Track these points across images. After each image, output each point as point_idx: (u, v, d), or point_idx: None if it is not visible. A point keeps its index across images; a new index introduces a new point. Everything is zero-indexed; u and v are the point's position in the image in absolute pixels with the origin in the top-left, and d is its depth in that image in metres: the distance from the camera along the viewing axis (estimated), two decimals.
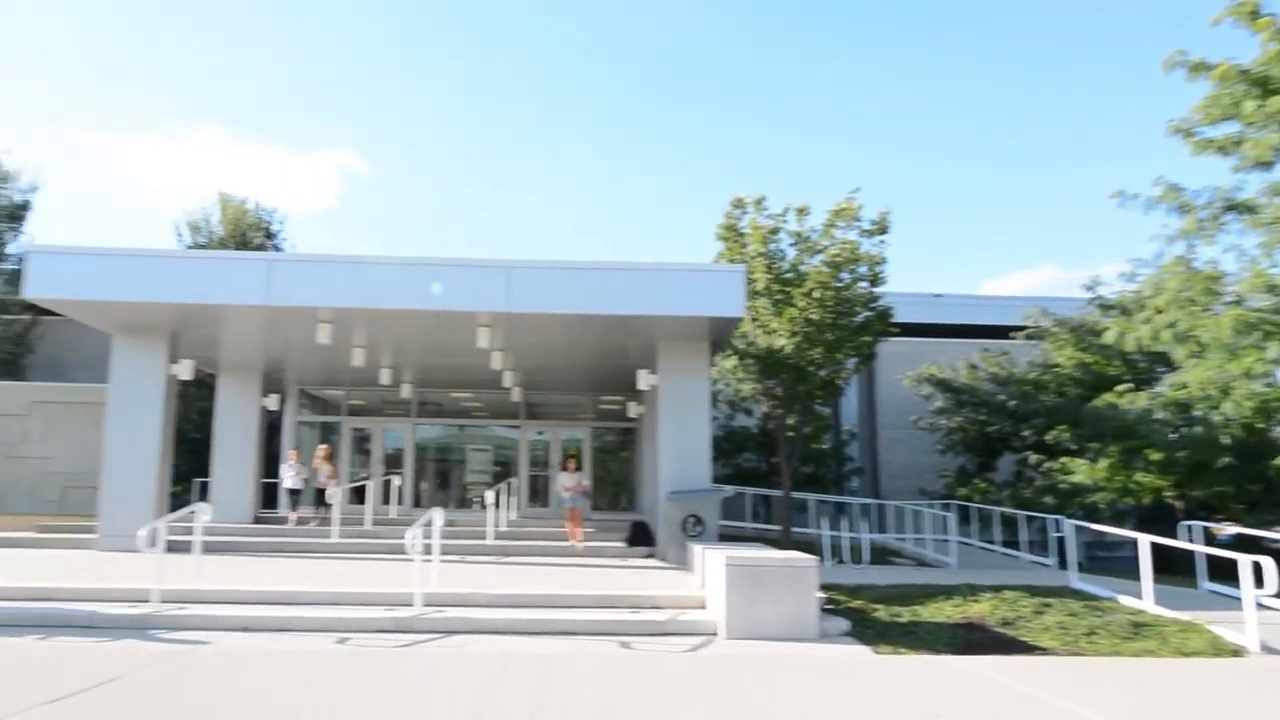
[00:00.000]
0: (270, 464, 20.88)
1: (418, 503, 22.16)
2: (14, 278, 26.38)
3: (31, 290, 13.18)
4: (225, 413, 19.30)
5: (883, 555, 17.34)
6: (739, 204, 17.83)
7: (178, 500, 25.86)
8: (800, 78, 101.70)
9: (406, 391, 20.83)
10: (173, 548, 14.07)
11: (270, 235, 28.90)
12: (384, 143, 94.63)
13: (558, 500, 15.30)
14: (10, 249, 27.62)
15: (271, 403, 19.48)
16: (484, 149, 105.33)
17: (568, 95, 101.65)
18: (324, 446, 18.60)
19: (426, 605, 9.41)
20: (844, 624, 9.41)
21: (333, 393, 22.50)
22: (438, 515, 9.95)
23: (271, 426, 24.68)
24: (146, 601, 9.20)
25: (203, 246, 27.95)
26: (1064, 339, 22.69)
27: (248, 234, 28.19)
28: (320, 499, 17.67)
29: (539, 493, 22.44)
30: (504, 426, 23.08)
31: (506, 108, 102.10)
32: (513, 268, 13.43)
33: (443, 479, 23.40)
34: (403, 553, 15.03)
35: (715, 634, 9.02)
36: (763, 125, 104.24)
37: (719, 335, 15.33)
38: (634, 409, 19.66)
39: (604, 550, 15.40)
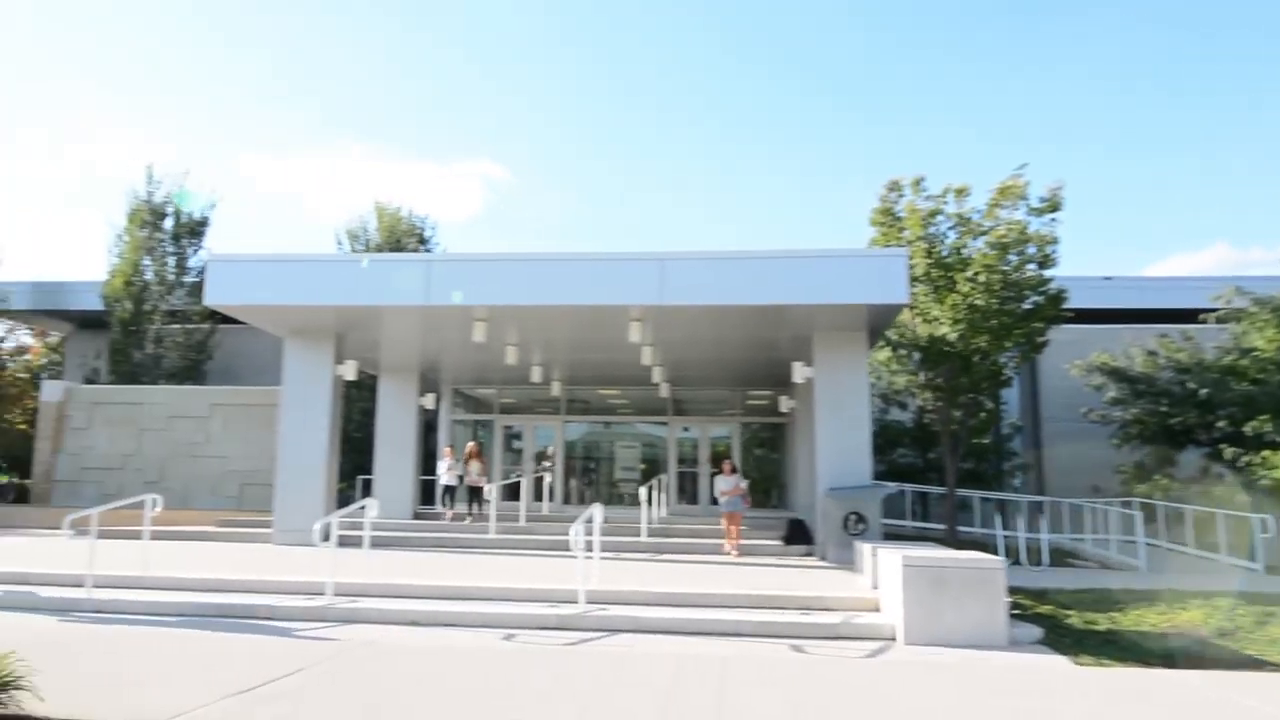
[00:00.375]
0: (427, 462, 21.45)
1: (568, 499, 22.35)
2: (195, 289, 28.27)
3: (210, 297, 13.91)
4: (386, 412, 19.94)
5: (1060, 557, 16.15)
6: (894, 187, 16.99)
7: (343, 497, 27.09)
8: (944, 56, 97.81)
9: (556, 389, 20.99)
10: (342, 542, 14.69)
11: (423, 241, 29.84)
12: (526, 151, 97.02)
13: (720, 504, 14.77)
14: (191, 263, 29.58)
15: (428, 402, 19.99)
16: (621, 149, 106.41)
17: (695, 90, 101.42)
18: (473, 444, 18.89)
19: (589, 603, 9.25)
20: (1035, 631, 8.65)
21: (485, 391, 22.95)
22: (598, 511, 9.78)
23: (428, 425, 25.50)
24: (321, 595, 9.42)
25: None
26: (1264, 319, 20.55)
27: (402, 240, 29.19)
28: (473, 496, 18.01)
29: (688, 490, 22.19)
30: (651, 423, 22.96)
31: (639, 108, 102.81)
32: (665, 259, 13.17)
33: (591, 476, 23.50)
34: (557, 549, 15.13)
35: (893, 639, 8.45)
36: (908, 110, 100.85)
37: (878, 324, 14.62)
38: (785, 403, 19.11)
39: (759, 549, 14.95)
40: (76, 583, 9.69)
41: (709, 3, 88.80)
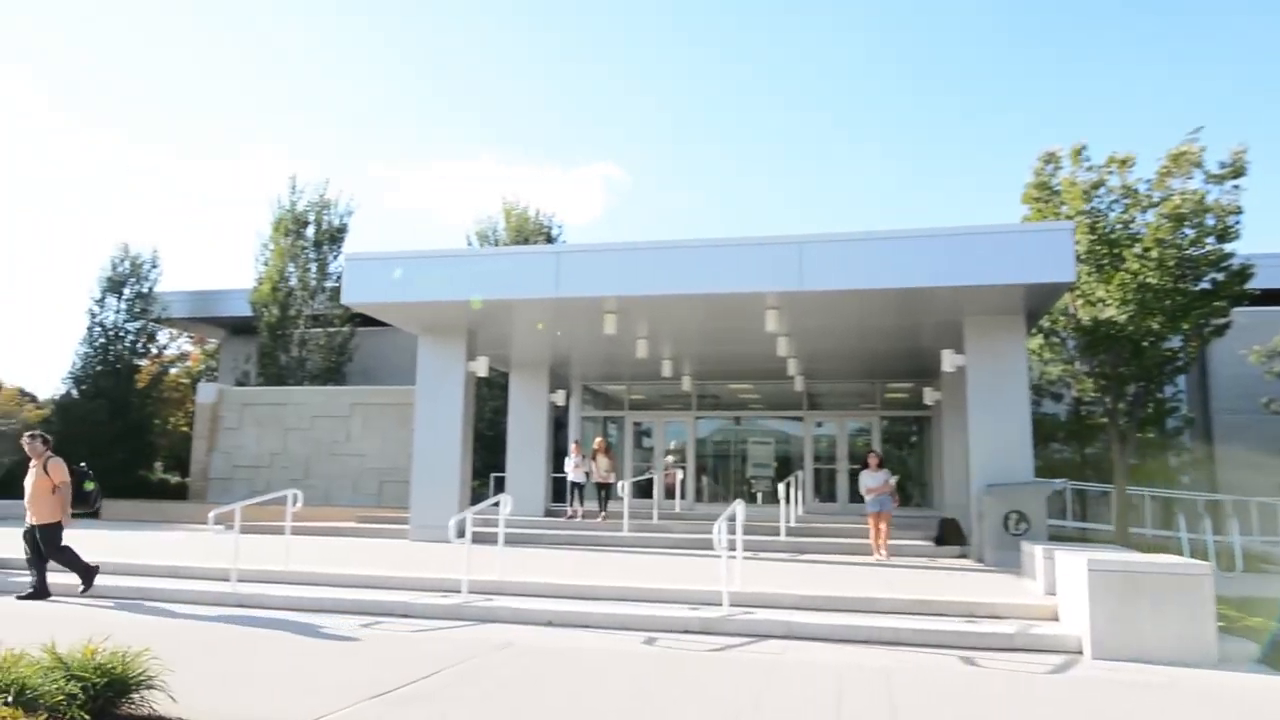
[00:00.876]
0: (558, 459, 21.33)
1: (699, 497, 21.82)
2: (336, 294, 29.21)
3: (348, 295, 14.06)
4: (517, 409, 19.91)
5: (1252, 562, 14.49)
6: (1050, 158, 15.66)
7: (477, 495, 27.44)
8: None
9: (687, 384, 20.51)
10: (476, 539, 14.60)
11: (550, 240, 29.93)
12: (646, 152, 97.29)
13: (865, 502, 13.61)
14: (332, 268, 30.60)
15: (559, 398, 19.85)
16: (743, 148, 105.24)
17: (813, 82, 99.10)
18: (600, 439, 18.32)
19: (732, 605, 8.67)
20: (1249, 647, 7.54)
21: (615, 388, 22.69)
22: (740, 509, 9.17)
23: (558, 422, 25.49)
24: (456, 592, 9.20)
25: None
26: None
27: (530, 239, 29.35)
28: (601, 493, 17.53)
29: (824, 488, 21.28)
30: (785, 419, 22.15)
31: (760, 105, 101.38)
32: (804, 243, 12.46)
33: (723, 473, 22.87)
34: (692, 548, 14.63)
35: (1079, 652, 7.51)
36: (1076, 70, 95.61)
37: (1037, 306, 13.47)
38: (930, 395, 17.99)
39: (908, 550, 14.02)
40: (222, 576, 9.80)
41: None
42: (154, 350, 33.54)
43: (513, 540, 14.82)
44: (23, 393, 38.26)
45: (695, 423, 22.03)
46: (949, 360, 13.84)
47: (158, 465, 33.39)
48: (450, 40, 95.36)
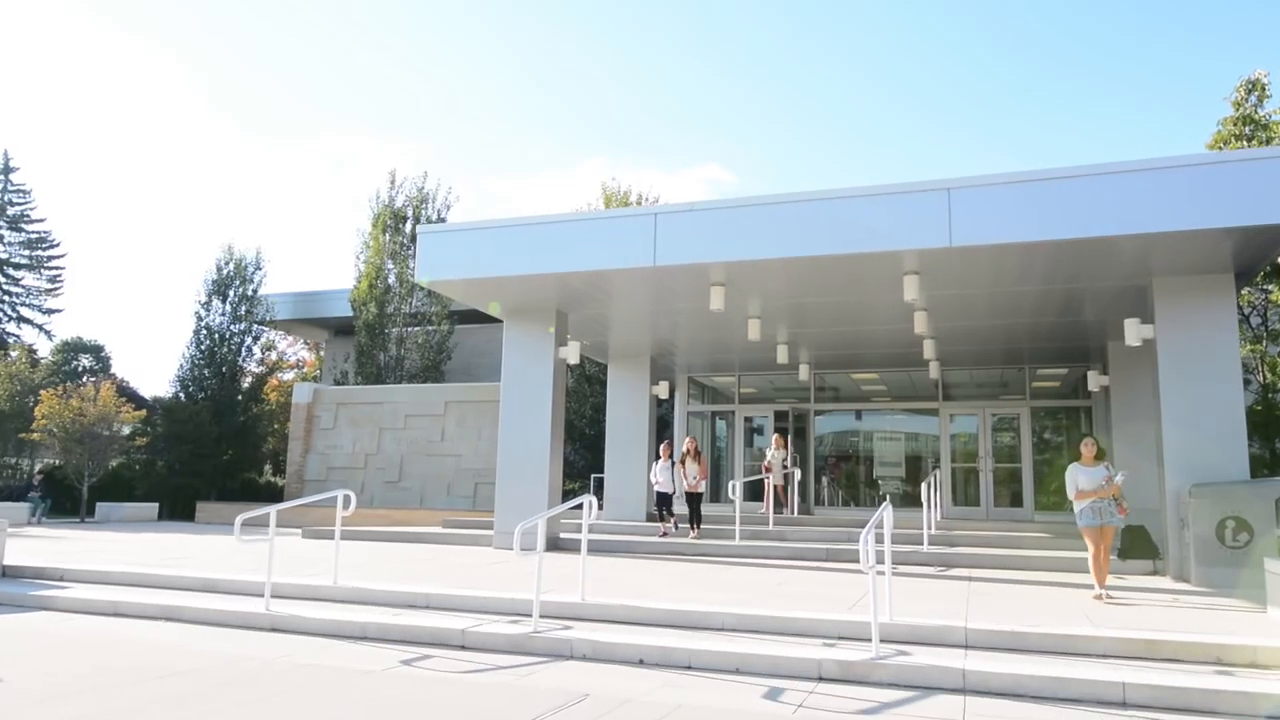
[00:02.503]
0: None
1: (819, 500, 19.55)
2: (434, 291, 28.27)
3: (422, 273, 12.53)
4: (616, 403, 18.15)
5: None
6: (1254, 86, 12.89)
7: (573, 497, 25.89)
8: None
9: (804, 374, 18.28)
10: (563, 546, 12.85)
11: None
12: (751, 153, 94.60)
13: (1080, 512, 9.20)
14: None
15: (661, 391, 17.97)
16: (847, 148, 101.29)
17: (929, 91, 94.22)
18: (690, 440, 15.29)
19: (883, 641, 6.54)
20: None
21: (723, 379, 20.65)
22: (888, 515, 7.05)
23: (662, 420, 23.64)
24: (527, 616, 7.39)
25: None
26: None
27: None
28: (692, 505, 14.36)
29: (964, 490, 18.66)
30: (916, 412, 19.61)
31: (863, 107, 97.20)
32: (954, 188, 10.19)
33: (846, 474, 20.49)
34: (812, 560, 12.50)
35: None
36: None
37: (1251, 262, 10.77)
38: (1095, 380, 15.29)
39: (1069, 562, 11.48)
40: (259, 591, 8.29)
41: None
42: (259, 353, 33.50)
43: (607, 549, 13.06)
44: (122, 391, 38.84)
45: (814, 417, 19.75)
46: (1133, 332, 11.28)
47: (267, 468, 33.29)
48: (548, 46, 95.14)
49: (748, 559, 12.41)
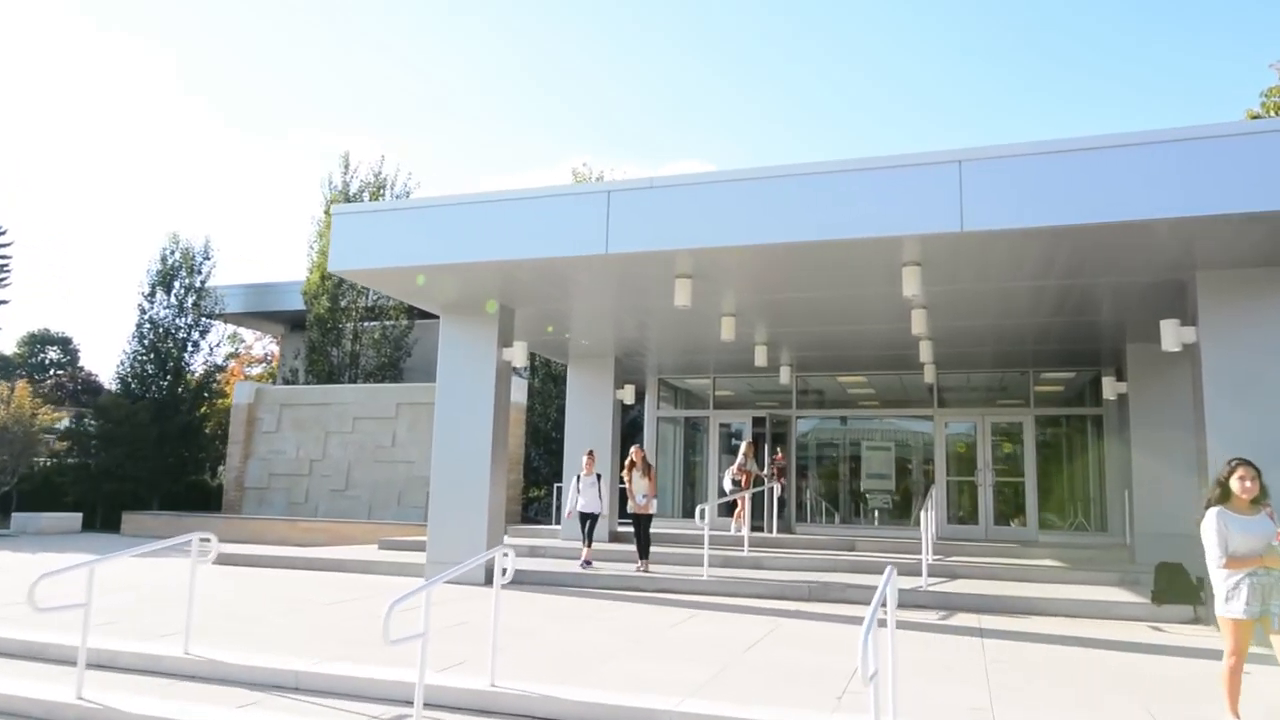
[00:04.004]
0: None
1: (800, 515, 17.81)
2: None
3: (335, 261, 10.66)
4: (576, 407, 16.35)
5: None
6: None
7: (537, 506, 24.17)
8: None
9: (785, 376, 16.51)
10: (517, 580, 11.01)
11: None
12: (745, 151, 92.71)
13: (1236, 534, 5.24)
14: None
15: (627, 395, 16.19)
16: (838, 141, 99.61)
17: (910, 79, 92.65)
18: (637, 450, 12.79)
19: None
20: None
21: (697, 382, 18.87)
22: (892, 591, 5.23)
23: (633, 425, 21.88)
24: (408, 708, 5.56)
25: None
26: None
27: None
28: (640, 530, 12.19)
29: (959, 505, 16.97)
30: (909, 418, 17.88)
31: (848, 104, 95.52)
32: (966, 160, 8.43)
33: (830, 487, 18.75)
34: (791, 598, 10.73)
35: None
36: None
37: None
38: (1111, 387, 13.64)
39: (1106, 608, 9.79)
40: (71, 659, 6.39)
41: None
42: (207, 348, 31.48)
43: (555, 583, 11.26)
44: (88, 386, 36.62)
45: (795, 423, 17.99)
46: (1172, 335, 9.58)
47: (221, 469, 31.28)
48: (548, 46, 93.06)
49: (718, 597, 10.64)
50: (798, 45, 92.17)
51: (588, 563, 12.17)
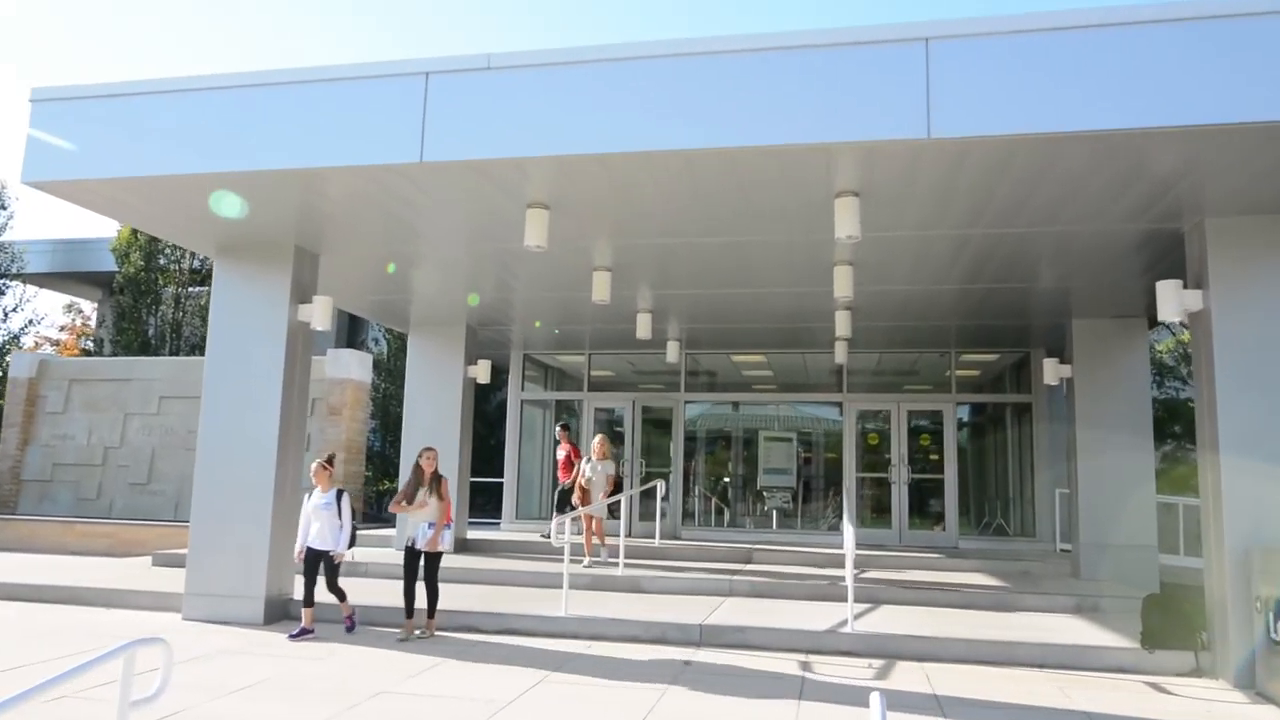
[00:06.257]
0: (487, 462, 14.74)
1: (687, 518, 15.25)
2: None
3: (31, 170, 7.35)
4: (417, 387, 13.31)
5: None
6: None
7: (390, 500, 20.90)
8: None
9: (673, 353, 13.87)
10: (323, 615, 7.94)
11: None
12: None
13: None
14: None
15: (481, 373, 13.24)
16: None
17: None
18: (427, 452, 8.52)
19: None
20: None
21: (570, 359, 16.06)
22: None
23: (497, 410, 18.95)
24: None
25: None
26: None
27: None
28: (429, 572, 8.05)
29: (873, 506, 14.74)
30: (813, 403, 15.51)
31: None
32: (934, 39, 5.88)
33: (723, 483, 16.21)
34: (672, 643, 8.09)
35: None
36: None
37: None
38: (1052, 370, 11.52)
39: (1063, 653, 7.52)
40: None
41: None
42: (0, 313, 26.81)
43: (373, 621, 8.30)
44: None
45: (684, 408, 15.41)
46: (1173, 302, 7.32)
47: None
48: None
49: (582, 642, 7.91)
50: None
51: (302, 632, 7.78)
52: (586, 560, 10.85)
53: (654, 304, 11.37)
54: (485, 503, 17.56)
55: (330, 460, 8.38)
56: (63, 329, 34.44)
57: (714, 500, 15.68)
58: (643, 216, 7.82)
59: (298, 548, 8.12)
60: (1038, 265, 9.08)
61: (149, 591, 9.53)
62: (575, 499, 11.25)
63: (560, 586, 8.75)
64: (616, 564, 10.58)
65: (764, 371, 16.15)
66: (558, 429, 13.51)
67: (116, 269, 24.11)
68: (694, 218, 7.75)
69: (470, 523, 13.83)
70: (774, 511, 15.04)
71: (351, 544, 8.31)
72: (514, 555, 12.27)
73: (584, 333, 14.01)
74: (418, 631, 7.99)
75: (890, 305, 11.06)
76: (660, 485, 13.15)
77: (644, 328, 11.70)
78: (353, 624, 8.23)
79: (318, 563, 8.02)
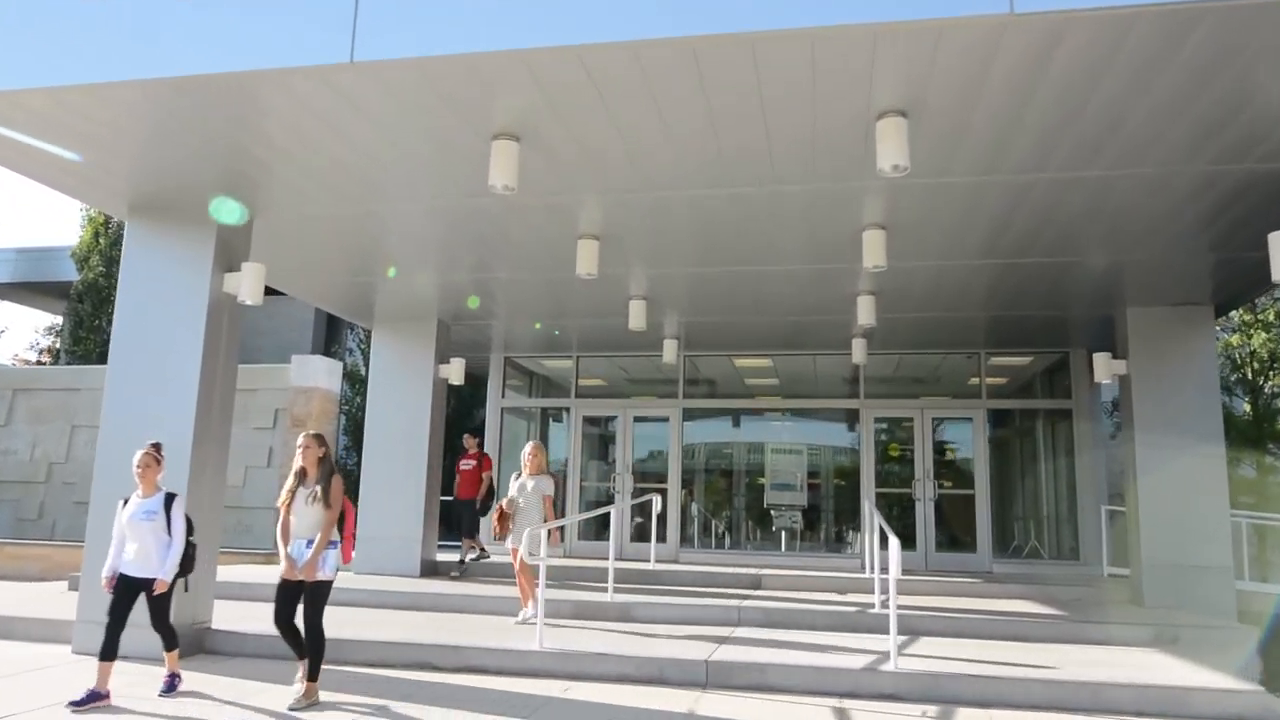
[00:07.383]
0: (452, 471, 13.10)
1: (685, 538, 13.66)
2: None
3: None
4: (380, 388, 11.77)
5: None
6: None
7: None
8: None
9: (670, 353, 12.38)
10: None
11: None
12: None
13: None
14: None
15: (454, 374, 11.72)
16: None
17: None
18: (312, 437, 6.01)
19: None
20: None
21: (557, 364, 14.56)
22: None
23: (478, 419, 17.42)
24: None
25: None
26: None
27: None
28: (310, 617, 5.75)
29: (902, 528, 13.12)
30: (822, 413, 13.95)
31: None
32: None
33: (726, 500, 14.62)
34: (687, 684, 6.48)
35: None
36: None
37: None
38: (1104, 366, 10.06)
39: (1164, 696, 5.96)
40: None
41: None
42: None
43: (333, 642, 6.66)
44: None
45: (681, 417, 13.88)
46: None
47: None
48: None
49: (558, 682, 6.37)
50: None
51: (98, 694, 5.56)
52: (523, 612, 8.25)
53: (648, 288, 9.89)
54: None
55: (158, 448, 6.06)
56: (43, 350, 32.97)
57: (715, 519, 14.12)
58: (637, 156, 6.36)
59: (105, 572, 5.77)
60: (1100, 232, 7.63)
61: (42, 620, 8.00)
62: (494, 525, 8.60)
63: (533, 640, 7.19)
64: (605, 589, 9.02)
65: (770, 379, 14.67)
66: (465, 437, 11.82)
67: (77, 276, 22.80)
68: (698, 158, 6.29)
69: (441, 545, 12.25)
70: (782, 532, 13.48)
71: (187, 569, 5.95)
72: (489, 580, 10.72)
73: (570, 331, 12.53)
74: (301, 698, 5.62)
75: (918, 289, 9.60)
76: (656, 501, 11.59)
77: (637, 317, 10.18)
78: (172, 684, 5.87)
79: (134, 595, 5.72)
